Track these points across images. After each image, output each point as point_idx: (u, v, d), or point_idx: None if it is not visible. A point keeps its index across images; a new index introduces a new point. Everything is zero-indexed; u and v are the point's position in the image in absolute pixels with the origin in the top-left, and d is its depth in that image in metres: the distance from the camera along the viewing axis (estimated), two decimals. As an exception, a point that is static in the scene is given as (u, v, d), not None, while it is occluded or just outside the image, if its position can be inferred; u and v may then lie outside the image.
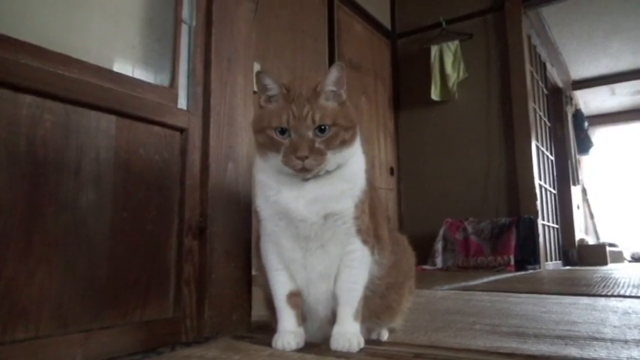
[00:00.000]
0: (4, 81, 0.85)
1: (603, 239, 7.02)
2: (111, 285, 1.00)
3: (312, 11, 4.07)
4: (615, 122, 8.04)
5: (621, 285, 2.65)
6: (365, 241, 1.03)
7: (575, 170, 6.40)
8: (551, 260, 4.93)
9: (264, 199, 1.04)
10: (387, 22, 5.21)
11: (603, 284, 2.71)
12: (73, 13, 1.06)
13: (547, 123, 5.43)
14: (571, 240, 5.85)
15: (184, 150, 1.19)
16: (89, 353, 0.93)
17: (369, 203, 1.06)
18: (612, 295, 2.13)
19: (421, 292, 2.21)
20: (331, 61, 4.12)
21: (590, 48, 5.96)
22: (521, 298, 2.01)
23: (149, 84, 1.16)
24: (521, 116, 4.51)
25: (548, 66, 5.65)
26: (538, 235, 4.23)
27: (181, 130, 1.19)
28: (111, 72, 1.07)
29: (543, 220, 4.70)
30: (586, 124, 6.99)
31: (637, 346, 1.09)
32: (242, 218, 1.29)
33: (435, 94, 4.81)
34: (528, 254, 4.11)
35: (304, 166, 0.93)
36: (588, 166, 7.62)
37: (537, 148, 4.76)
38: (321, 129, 0.95)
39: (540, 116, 5.12)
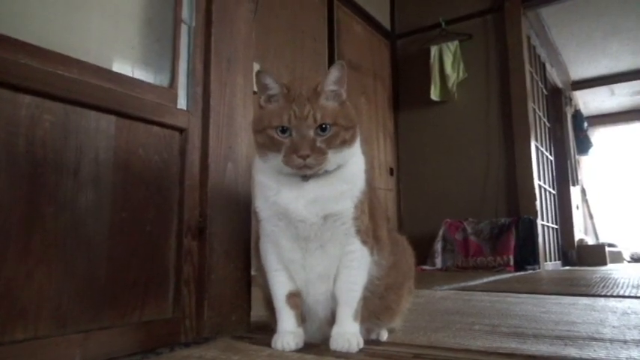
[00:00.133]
0: (4, 81, 0.85)
1: (602, 239, 7.02)
2: (110, 285, 1.00)
3: (312, 11, 4.07)
4: (614, 123, 8.04)
5: (620, 285, 2.65)
6: (364, 242, 1.03)
7: (575, 170, 6.41)
8: (551, 260, 4.93)
9: (263, 200, 1.04)
10: (386, 23, 5.21)
11: (602, 284, 2.71)
12: (73, 14, 1.05)
13: (546, 123, 5.43)
14: (570, 240, 5.85)
15: (184, 150, 1.19)
16: (88, 353, 0.92)
17: (369, 204, 1.06)
18: (611, 296, 2.13)
19: (421, 292, 2.21)
20: (331, 62, 4.12)
21: (589, 48, 5.96)
22: (521, 299, 2.01)
23: (149, 84, 1.16)
24: (521, 116, 4.51)
25: (548, 66, 5.66)
26: (537, 236, 4.23)
27: (181, 131, 1.19)
28: (110, 72, 1.07)
29: (543, 220, 4.71)
30: (585, 124, 7.00)
31: (636, 346, 1.09)
32: (241, 218, 1.29)
33: (434, 95, 4.81)
34: (528, 254, 4.12)
35: (306, 164, 0.93)
36: (588, 166, 7.63)
37: (537, 148, 4.77)
38: (322, 128, 0.95)
39: (540, 116, 5.13)
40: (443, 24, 4.89)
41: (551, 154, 5.47)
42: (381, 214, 1.17)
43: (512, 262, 4.04)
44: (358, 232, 1.02)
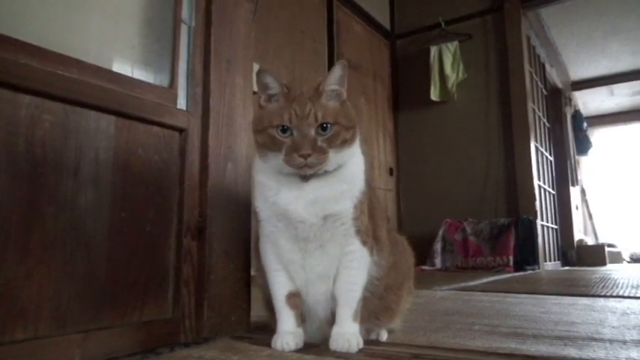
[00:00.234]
0: (4, 81, 0.85)
1: (602, 240, 7.03)
2: (110, 285, 1.00)
3: (312, 12, 4.07)
4: (614, 123, 8.05)
5: (620, 285, 2.65)
6: (364, 242, 1.03)
7: (574, 171, 6.41)
8: (550, 261, 4.93)
9: (263, 200, 1.04)
10: (386, 23, 5.21)
11: (602, 285, 2.71)
12: (73, 14, 1.06)
13: (546, 124, 5.44)
14: (570, 240, 5.86)
15: (183, 150, 1.19)
16: (88, 354, 0.92)
17: (368, 204, 1.06)
18: (611, 296, 2.13)
19: (420, 292, 2.21)
20: (330, 62, 4.12)
21: (589, 49, 5.97)
22: (520, 299, 2.01)
23: (148, 84, 1.16)
24: (521, 117, 4.52)
25: (548, 67, 5.66)
26: (537, 236, 4.24)
27: (180, 131, 1.19)
28: (110, 72, 1.07)
29: (542, 220, 4.71)
30: (585, 124, 7.00)
31: (636, 346, 1.09)
32: (241, 219, 1.29)
33: (434, 95, 4.81)
34: (527, 255, 4.12)
35: (307, 163, 0.93)
36: (587, 166, 7.63)
37: (536, 148, 4.77)
38: (323, 127, 0.95)
39: (539, 117, 5.13)
40: (442, 24, 4.89)
41: (550, 155, 5.48)
42: (381, 214, 1.17)
43: (511, 263, 4.04)
44: (358, 232, 1.02)
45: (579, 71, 6.64)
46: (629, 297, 2.10)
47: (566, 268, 5.19)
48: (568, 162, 6.23)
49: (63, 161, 0.94)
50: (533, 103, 4.83)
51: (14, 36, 0.88)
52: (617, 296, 2.13)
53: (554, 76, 6.02)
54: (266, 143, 0.98)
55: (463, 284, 2.74)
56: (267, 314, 1.18)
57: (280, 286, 1.06)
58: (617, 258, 6.27)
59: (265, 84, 1.00)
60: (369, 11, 4.84)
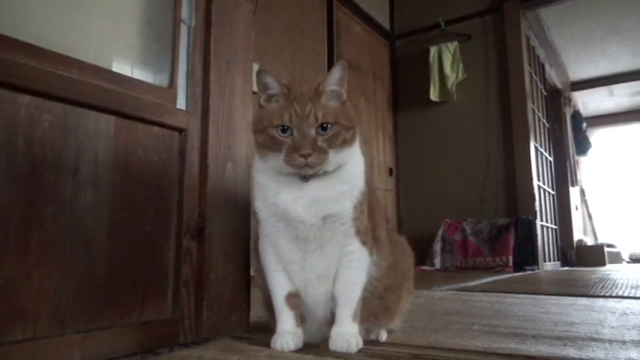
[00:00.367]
0: (3, 81, 0.85)
1: (601, 240, 7.03)
2: (109, 285, 1.00)
3: (311, 12, 4.07)
4: (613, 123, 8.05)
5: (619, 286, 2.65)
6: (363, 242, 1.03)
7: (574, 171, 6.41)
8: (550, 261, 4.93)
9: (262, 201, 1.04)
10: (386, 23, 5.21)
11: (601, 285, 2.71)
12: (72, 14, 1.05)
13: (545, 124, 5.44)
14: (569, 241, 5.86)
15: (183, 150, 1.19)
16: (87, 354, 0.92)
17: (368, 204, 1.06)
18: (610, 296, 2.13)
19: (420, 292, 2.21)
20: (330, 62, 4.12)
21: (588, 49, 5.97)
22: (520, 299, 2.01)
23: (148, 84, 1.15)
24: (520, 117, 4.52)
25: (547, 67, 5.66)
26: (536, 236, 4.24)
27: (180, 131, 1.19)
28: (110, 72, 1.07)
29: (542, 220, 4.71)
30: (584, 125, 7.00)
31: (635, 346, 1.09)
32: (241, 219, 1.29)
33: (433, 95, 4.81)
34: (527, 255, 4.12)
35: (307, 163, 0.93)
36: (587, 167, 7.64)
37: (536, 148, 4.77)
38: (323, 127, 0.95)
39: (539, 117, 5.13)
40: (442, 24, 4.89)
41: (550, 155, 5.48)
42: (381, 214, 1.17)
43: (511, 263, 4.04)
44: (357, 232, 1.02)
45: (579, 71, 6.64)
46: (628, 297, 2.10)
47: (566, 268, 5.19)
48: (567, 162, 6.23)
49: (62, 161, 0.94)
50: (533, 104, 4.84)
51: (14, 36, 0.88)
52: (617, 296, 2.13)
53: (553, 77, 6.03)
54: (266, 143, 0.98)
55: (463, 284, 2.74)
56: (267, 314, 1.18)
57: (280, 287, 1.06)
58: (616, 258, 6.27)
59: (265, 84, 1.00)
60: (368, 11, 4.84)
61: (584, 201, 7.40)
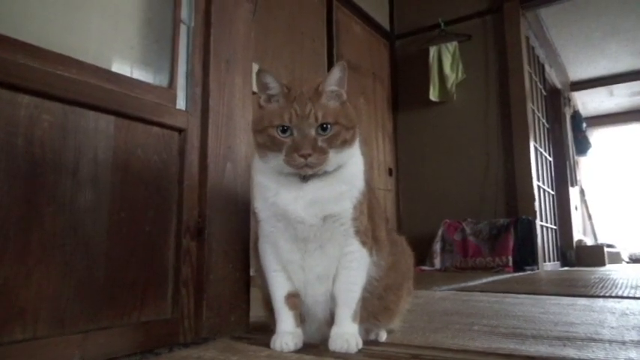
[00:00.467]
0: (3, 81, 0.85)
1: (601, 240, 7.03)
2: (109, 286, 1.00)
3: (311, 12, 4.07)
4: (613, 123, 8.06)
5: (619, 286, 2.65)
6: (363, 243, 1.03)
7: (574, 171, 6.41)
8: (550, 261, 4.93)
9: (262, 201, 1.04)
10: (385, 23, 5.21)
11: (601, 285, 2.71)
12: (72, 14, 1.05)
13: (545, 124, 5.44)
14: (569, 241, 5.86)
15: (183, 150, 1.19)
16: (87, 354, 0.92)
17: (368, 204, 1.06)
18: (610, 296, 2.13)
19: (419, 292, 2.21)
20: (330, 62, 4.12)
21: (588, 49, 5.97)
22: (520, 299, 2.01)
23: (148, 84, 1.16)
24: (520, 117, 4.52)
25: (547, 67, 5.66)
26: (536, 236, 4.24)
27: (180, 131, 1.19)
28: (109, 72, 1.07)
29: (541, 221, 4.71)
30: (584, 125, 7.00)
31: (635, 347, 1.09)
32: (240, 219, 1.29)
33: (433, 95, 4.81)
34: (526, 255, 4.12)
35: (307, 163, 0.93)
36: (586, 167, 7.64)
37: (535, 149, 4.77)
38: (323, 127, 0.95)
39: (539, 117, 5.13)
40: (442, 25, 4.89)
41: (550, 155, 5.48)
42: (380, 214, 1.17)
43: (510, 263, 4.04)
44: (357, 232, 1.02)
45: (578, 72, 6.64)
46: (628, 297, 2.10)
47: (566, 268, 5.19)
48: (567, 162, 6.23)
49: (62, 161, 0.94)
50: (533, 104, 4.84)
51: (13, 36, 0.88)
52: (616, 297, 2.13)
53: (553, 77, 6.03)
54: (266, 143, 0.98)
55: (462, 284, 2.74)
56: (267, 314, 1.18)
57: (279, 287, 1.06)
58: (616, 258, 6.27)
59: (265, 84, 1.00)
60: (368, 12, 4.84)
61: (583, 201, 7.40)
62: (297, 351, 1.01)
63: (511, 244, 4.12)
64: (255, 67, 1.23)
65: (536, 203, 4.46)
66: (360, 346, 1.01)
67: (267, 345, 1.03)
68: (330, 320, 1.05)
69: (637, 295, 2.16)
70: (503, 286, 2.70)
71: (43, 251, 0.89)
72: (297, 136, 0.94)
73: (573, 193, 6.44)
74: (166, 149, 1.16)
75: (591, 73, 6.68)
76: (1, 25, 0.88)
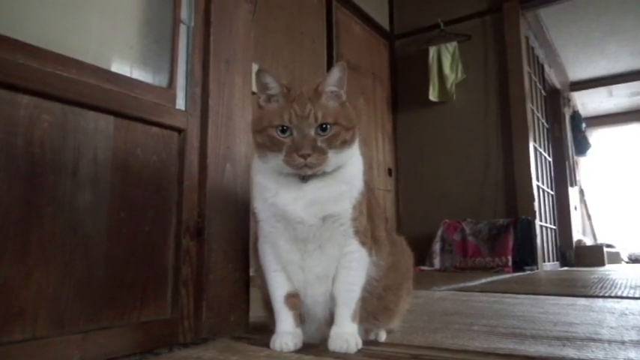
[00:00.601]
0: (2, 81, 0.85)
1: (600, 240, 7.04)
2: (108, 286, 1.00)
3: (311, 12, 4.07)
4: (613, 123, 8.06)
5: (618, 286, 2.65)
6: (363, 243, 1.03)
7: (573, 171, 6.42)
8: (549, 261, 4.93)
9: (262, 201, 1.04)
10: (385, 24, 5.22)
11: (601, 285, 2.71)
12: (72, 14, 1.05)
13: (545, 124, 5.44)
14: (568, 241, 5.86)
15: (182, 150, 1.19)
16: (86, 354, 0.92)
17: (367, 205, 1.06)
18: (610, 297, 2.14)
19: (419, 292, 2.21)
20: (330, 62, 4.12)
21: (587, 49, 5.98)
22: (519, 299, 2.01)
23: (147, 84, 1.15)
24: (519, 117, 4.52)
25: (546, 67, 5.67)
26: (536, 236, 4.24)
27: (179, 131, 1.19)
28: (109, 72, 1.07)
29: (541, 221, 4.71)
30: (584, 125, 7.01)
31: (634, 347, 1.09)
32: (240, 219, 1.29)
33: (433, 95, 4.82)
34: (526, 255, 4.12)
35: (307, 163, 0.93)
36: (586, 167, 7.64)
37: (535, 149, 4.77)
38: (322, 128, 0.95)
39: (538, 117, 5.13)
40: (441, 25, 4.89)
41: (549, 155, 5.48)
42: (380, 214, 1.17)
43: (510, 263, 4.05)
44: (357, 232, 1.02)
45: (578, 72, 6.65)
46: (627, 297, 2.10)
47: (565, 268, 5.19)
48: (567, 162, 6.23)
49: (61, 161, 0.94)
50: (532, 104, 4.84)
51: (13, 36, 0.88)
52: (616, 297, 2.13)
53: (552, 77, 6.03)
54: (265, 143, 0.98)
55: (462, 284, 2.74)
56: (266, 315, 1.18)
57: (279, 287, 1.06)
58: (615, 258, 6.28)
59: (265, 84, 1.00)
60: (368, 12, 4.84)
61: (583, 201, 7.41)
62: (297, 351, 1.01)
63: (510, 244, 4.13)
64: (255, 67, 1.23)
65: (536, 203, 4.46)
66: (360, 346, 1.01)
67: (267, 345, 1.03)
68: (330, 320, 1.05)
69: (636, 296, 2.16)
70: (502, 286, 2.70)
71: (43, 251, 0.89)
72: (296, 137, 0.94)
73: (573, 193, 6.45)
74: (166, 149, 1.16)
75: (591, 74, 6.69)
76: (1, 25, 0.88)
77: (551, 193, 5.43)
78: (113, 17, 1.15)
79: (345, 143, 0.98)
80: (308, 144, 0.93)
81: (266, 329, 1.17)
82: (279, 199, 1.00)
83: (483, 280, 3.05)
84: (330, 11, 4.28)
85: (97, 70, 1.03)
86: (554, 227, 5.39)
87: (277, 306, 1.05)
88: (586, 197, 7.50)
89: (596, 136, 7.79)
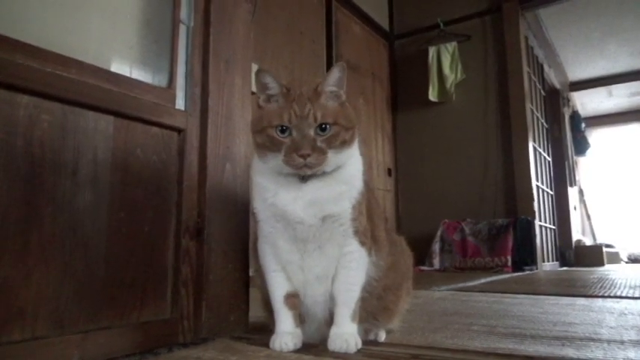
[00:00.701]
0: (2, 81, 0.85)
1: (600, 240, 7.04)
2: (108, 286, 1.00)
3: (311, 12, 4.07)
4: (612, 124, 8.07)
5: (618, 286, 2.65)
6: (362, 243, 1.03)
7: (572, 171, 6.42)
8: (548, 261, 4.94)
9: (261, 201, 1.04)
10: (385, 24, 5.22)
11: (600, 285, 2.71)
12: (72, 14, 1.05)
13: (544, 124, 5.44)
14: (568, 241, 5.87)
15: (182, 151, 1.19)
16: (86, 354, 0.92)
17: (366, 205, 1.06)
18: (609, 296, 2.14)
19: (419, 292, 2.21)
20: (329, 63, 4.12)
21: (587, 49, 5.98)
22: (519, 299, 2.01)
23: (147, 84, 1.16)
24: (519, 117, 4.52)
25: (546, 67, 5.67)
26: (535, 236, 4.24)
27: (179, 131, 1.19)
28: (109, 72, 1.07)
29: (540, 221, 4.71)
30: (583, 125, 7.01)
31: (633, 347, 1.09)
32: (239, 219, 1.29)
33: (432, 95, 4.82)
34: (525, 255, 4.12)
35: (306, 163, 0.93)
36: (585, 167, 7.65)
37: (534, 149, 4.78)
38: (322, 128, 0.95)
39: (537, 117, 5.14)
40: (441, 25, 4.90)
41: (548, 155, 5.49)
42: (379, 214, 1.17)
43: (510, 263, 4.05)
44: (356, 233, 1.02)
45: (577, 72, 6.65)
46: (626, 297, 2.10)
47: (564, 268, 5.19)
48: (566, 162, 6.24)
49: (61, 161, 0.94)
50: (532, 104, 4.84)
51: (13, 36, 0.88)
52: (615, 297, 2.13)
53: (552, 77, 6.03)
54: (265, 143, 0.98)
55: (461, 284, 2.74)
56: (266, 315, 1.18)
57: (279, 287, 1.06)
58: (615, 258, 6.28)
59: (264, 84, 1.00)
60: (367, 12, 4.84)
61: (582, 201, 7.41)
62: (297, 351, 1.01)
63: (510, 244, 4.13)
64: (255, 67, 1.23)
65: (535, 203, 4.46)
66: (360, 346, 1.01)
67: (267, 345, 1.03)
68: (330, 320, 1.05)
69: (635, 295, 2.17)
70: (502, 286, 2.70)
71: (43, 251, 0.89)
72: (296, 137, 0.94)
73: (572, 193, 6.45)
74: (165, 149, 1.16)
75: (590, 74, 6.69)
76: (1, 25, 0.88)
77: (551, 193, 5.43)
78: (113, 17, 1.15)
79: (345, 143, 0.98)
80: (307, 144, 0.93)
81: (266, 329, 1.17)
82: (278, 199, 1.00)
83: (483, 280, 3.05)
84: (330, 11, 4.28)
85: (97, 70, 1.03)
86: (553, 227, 5.39)
87: (277, 306, 1.05)
88: (585, 197, 7.50)
89: (596, 136, 7.80)
